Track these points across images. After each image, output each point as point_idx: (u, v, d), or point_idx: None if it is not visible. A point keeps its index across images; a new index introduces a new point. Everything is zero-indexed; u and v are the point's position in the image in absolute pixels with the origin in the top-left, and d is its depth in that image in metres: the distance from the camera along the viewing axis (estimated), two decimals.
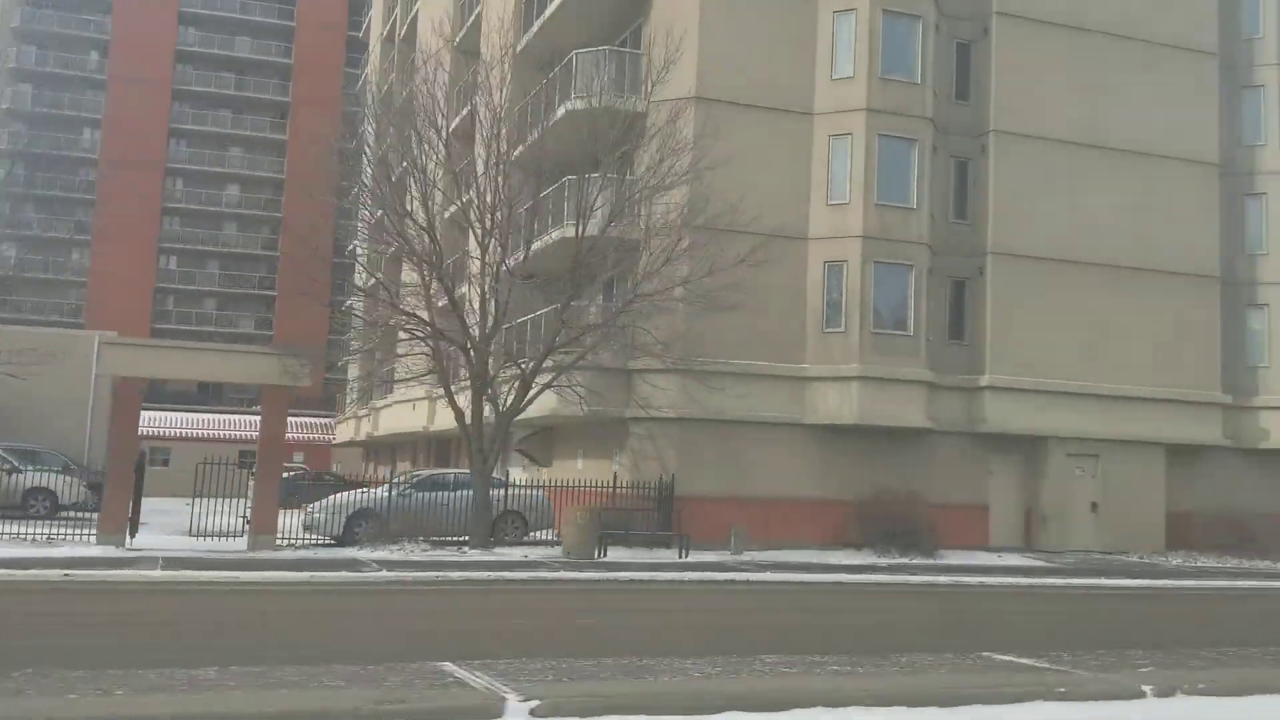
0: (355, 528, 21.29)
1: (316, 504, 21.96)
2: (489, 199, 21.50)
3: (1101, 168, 27.88)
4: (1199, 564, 25.23)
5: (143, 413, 51.05)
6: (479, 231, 21.79)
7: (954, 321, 27.10)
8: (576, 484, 24.02)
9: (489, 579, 15.82)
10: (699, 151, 24.72)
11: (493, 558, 19.01)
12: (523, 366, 21.47)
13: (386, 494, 22.11)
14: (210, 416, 60.13)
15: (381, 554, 19.12)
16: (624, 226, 24.35)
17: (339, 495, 21.88)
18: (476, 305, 22.16)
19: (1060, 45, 27.74)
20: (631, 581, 16.40)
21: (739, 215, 24.74)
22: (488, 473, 20.97)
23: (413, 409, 36.58)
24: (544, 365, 22.73)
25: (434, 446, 39.97)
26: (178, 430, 55.09)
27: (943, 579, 18.88)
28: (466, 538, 20.97)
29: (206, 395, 68.67)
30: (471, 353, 21.09)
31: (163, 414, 54.90)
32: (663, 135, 24.65)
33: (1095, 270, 27.51)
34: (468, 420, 21.32)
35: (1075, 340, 27.00)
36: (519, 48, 29.50)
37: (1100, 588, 19.72)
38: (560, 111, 25.88)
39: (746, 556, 21.96)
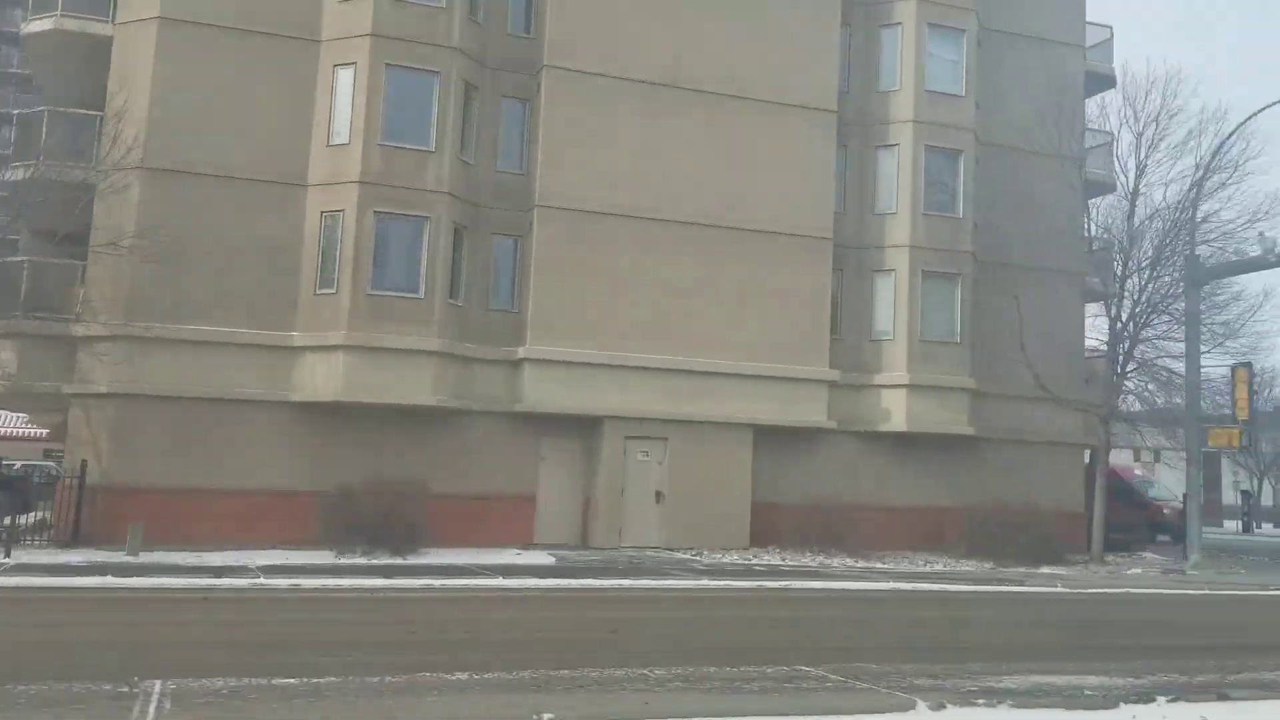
0: None
1: None
2: None
3: (694, 113, 24.39)
4: (753, 562, 21.82)
5: None
6: None
7: (506, 285, 23.50)
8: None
9: None
10: (162, 80, 21.14)
11: None
12: None
13: None
14: None
15: None
16: (67, 167, 20.69)
17: None
18: None
19: None
20: None
21: (215, 155, 21.25)
22: None
23: None
24: None
25: None
26: None
27: (219, 583, 15.15)
28: None
29: None
30: None
31: None
32: (120, 60, 21.09)
33: (677, 229, 24.02)
34: None
35: (644, 309, 23.49)
36: None
37: (507, 589, 16.28)
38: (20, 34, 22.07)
39: (143, 558, 18.20)
